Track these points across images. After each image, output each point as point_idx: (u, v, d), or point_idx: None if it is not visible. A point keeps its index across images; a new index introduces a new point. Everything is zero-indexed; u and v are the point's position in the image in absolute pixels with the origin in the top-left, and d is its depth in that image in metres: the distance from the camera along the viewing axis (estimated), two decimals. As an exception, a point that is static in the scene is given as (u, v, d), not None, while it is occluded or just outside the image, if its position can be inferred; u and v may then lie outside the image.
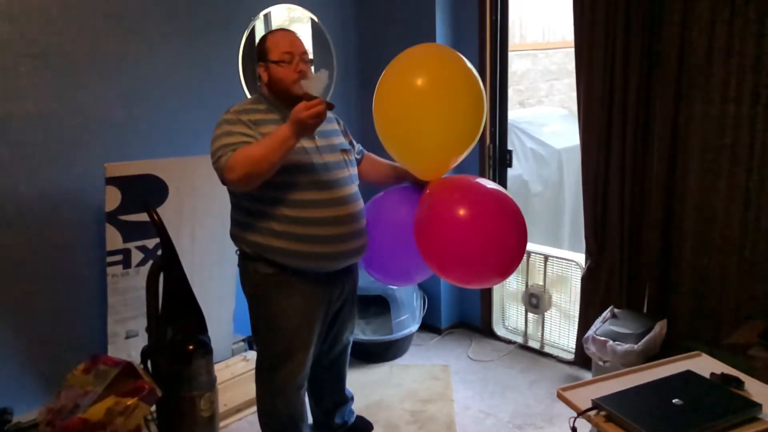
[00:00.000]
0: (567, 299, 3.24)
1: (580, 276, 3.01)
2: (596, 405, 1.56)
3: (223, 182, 1.92)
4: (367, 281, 2.52)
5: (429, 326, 3.59)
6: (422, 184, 2.20)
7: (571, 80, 2.95)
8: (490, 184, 2.18)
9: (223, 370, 2.85)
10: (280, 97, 2.04)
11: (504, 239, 2.00)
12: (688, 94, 2.49)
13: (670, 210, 2.64)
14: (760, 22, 2.27)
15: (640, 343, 2.46)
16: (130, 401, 1.98)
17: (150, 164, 2.58)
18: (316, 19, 3.30)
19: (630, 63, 2.60)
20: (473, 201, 2.06)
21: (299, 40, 2.06)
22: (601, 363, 2.58)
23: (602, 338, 2.56)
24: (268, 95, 2.06)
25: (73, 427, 1.93)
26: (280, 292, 2.06)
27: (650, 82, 2.60)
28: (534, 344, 3.36)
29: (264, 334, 2.15)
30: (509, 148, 3.37)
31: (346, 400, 2.53)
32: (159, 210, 2.30)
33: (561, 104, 5.95)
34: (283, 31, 2.08)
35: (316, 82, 1.87)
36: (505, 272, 2.07)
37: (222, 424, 2.65)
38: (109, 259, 2.52)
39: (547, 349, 3.30)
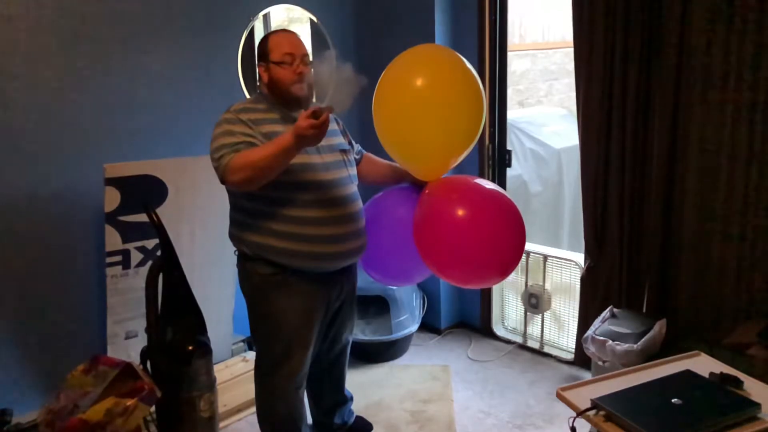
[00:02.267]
0: (566, 299, 3.24)
1: (580, 276, 3.01)
2: (595, 405, 1.56)
3: (223, 182, 1.93)
4: (366, 281, 2.52)
5: (429, 326, 3.59)
6: (421, 185, 2.20)
7: (570, 80, 2.96)
8: (488, 185, 2.19)
9: (222, 371, 2.86)
10: (280, 97, 2.04)
11: (502, 239, 2.00)
12: (687, 93, 2.49)
13: (670, 209, 2.64)
14: (758, 21, 2.28)
15: (639, 343, 2.46)
16: (129, 402, 1.98)
17: (149, 165, 2.58)
18: (315, 19, 3.30)
19: (629, 62, 2.60)
20: (472, 201, 2.06)
21: (301, 41, 2.06)
22: (600, 363, 2.58)
23: (601, 338, 2.56)
24: (268, 95, 2.07)
25: (72, 427, 1.93)
26: (279, 293, 2.06)
27: (649, 81, 2.60)
28: (533, 344, 3.36)
29: (263, 335, 2.15)
30: (509, 148, 3.38)
31: (345, 400, 2.53)
32: (158, 210, 2.30)
33: (560, 104, 5.95)
34: (285, 32, 2.09)
35: (342, 91, 1.82)
36: (503, 272, 2.07)
37: (222, 424, 2.65)
38: (109, 259, 2.52)
39: (546, 349, 3.31)
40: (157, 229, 2.22)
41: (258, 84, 2.13)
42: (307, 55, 2.06)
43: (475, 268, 2.02)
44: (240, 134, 1.91)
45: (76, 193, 2.58)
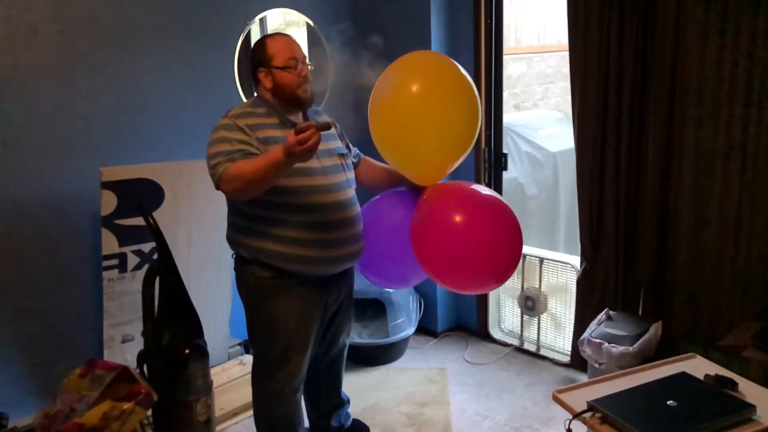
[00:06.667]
0: (562, 302, 3.24)
1: (576, 278, 3.02)
2: (591, 407, 1.57)
3: (217, 189, 1.93)
4: (363, 285, 2.52)
5: (425, 329, 3.59)
6: (418, 189, 2.21)
7: (566, 83, 2.97)
8: (485, 191, 2.20)
9: (219, 374, 2.86)
10: (285, 101, 2.05)
11: (499, 246, 2.01)
12: (682, 97, 2.51)
13: (665, 212, 2.65)
14: (752, 24, 2.29)
15: (635, 345, 2.47)
16: (126, 406, 1.98)
17: (146, 168, 2.58)
18: (311, 23, 3.31)
19: (624, 66, 2.62)
20: (469, 208, 2.06)
21: (298, 44, 2.09)
22: (596, 365, 2.59)
23: (598, 340, 2.56)
24: (272, 100, 2.07)
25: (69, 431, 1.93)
26: (276, 296, 2.06)
27: (644, 85, 2.61)
28: (530, 347, 3.37)
29: (260, 338, 2.15)
30: (505, 151, 3.39)
31: (342, 403, 2.53)
32: (155, 214, 2.31)
33: (556, 107, 5.96)
34: (283, 36, 2.11)
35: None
36: (500, 278, 2.08)
37: (218, 428, 2.64)
38: (105, 263, 2.52)
39: (543, 352, 3.31)
40: (154, 232, 2.23)
41: (255, 88, 2.14)
42: (305, 56, 2.09)
43: (471, 274, 2.03)
44: (236, 141, 1.92)
45: (73, 196, 2.57)
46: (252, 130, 1.96)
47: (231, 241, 2.12)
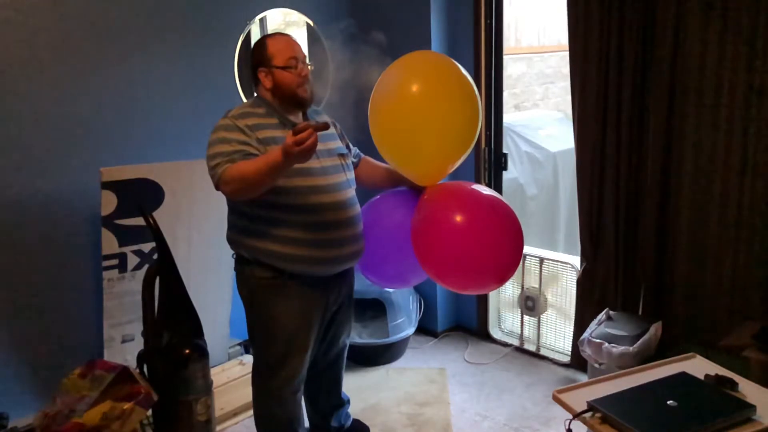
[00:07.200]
0: (563, 302, 3.24)
1: (576, 278, 3.02)
2: (591, 407, 1.57)
3: (217, 189, 1.93)
4: (363, 285, 2.52)
5: (425, 329, 3.59)
6: (419, 189, 2.21)
7: (566, 83, 2.98)
8: (486, 191, 2.20)
9: (219, 374, 2.86)
10: (284, 101, 2.05)
11: (501, 246, 2.01)
12: (682, 98, 2.51)
13: (665, 212, 2.65)
14: (751, 26, 2.29)
15: (635, 345, 2.47)
16: (126, 406, 1.98)
17: (146, 168, 2.58)
18: (311, 23, 3.31)
19: (624, 66, 2.62)
20: (471, 208, 2.06)
21: (298, 43, 2.09)
22: (596, 365, 2.59)
23: (598, 340, 2.56)
24: (272, 100, 2.07)
25: None
26: (277, 296, 2.06)
27: (644, 85, 2.61)
28: (530, 347, 3.37)
29: (261, 338, 2.15)
30: (505, 151, 3.39)
31: (342, 403, 2.53)
32: (155, 214, 2.31)
33: (556, 107, 5.97)
34: (283, 36, 2.11)
35: None
36: (501, 279, 2.08)
37: (218, 428, 2.64)
38: (105, 263, 2.52)
39: (543, 352, 3.31)
40: (154, 232, 2.23)
41: (255, 88, 2.14)
42: (305, 56, 2.09)
43: (472, 274, 2.03)
44: (235, 142, 1.92)
45: (73, 196, 2.57)
46: (252, 131, 1.96)
47: (231, 241, 2.12)
